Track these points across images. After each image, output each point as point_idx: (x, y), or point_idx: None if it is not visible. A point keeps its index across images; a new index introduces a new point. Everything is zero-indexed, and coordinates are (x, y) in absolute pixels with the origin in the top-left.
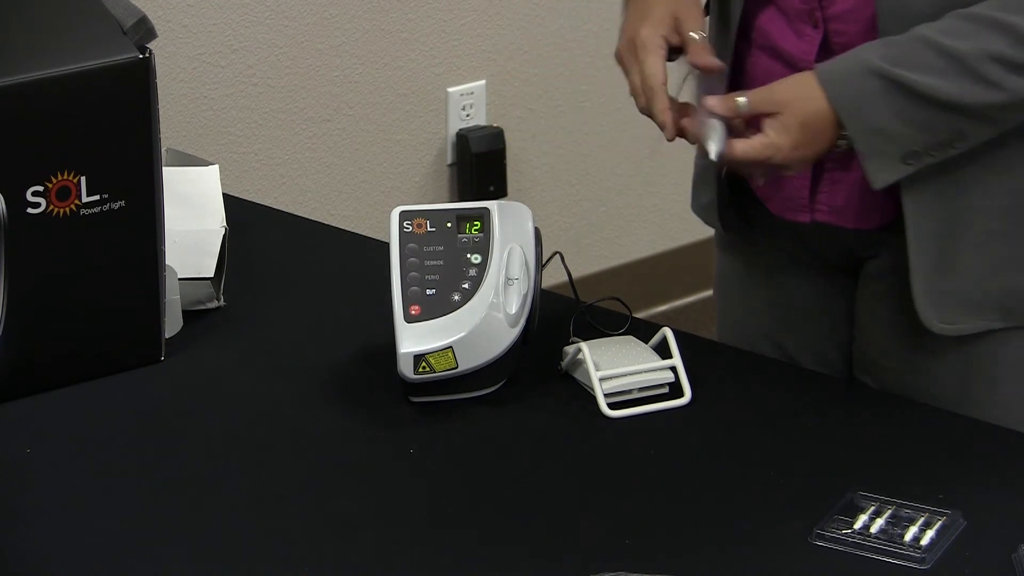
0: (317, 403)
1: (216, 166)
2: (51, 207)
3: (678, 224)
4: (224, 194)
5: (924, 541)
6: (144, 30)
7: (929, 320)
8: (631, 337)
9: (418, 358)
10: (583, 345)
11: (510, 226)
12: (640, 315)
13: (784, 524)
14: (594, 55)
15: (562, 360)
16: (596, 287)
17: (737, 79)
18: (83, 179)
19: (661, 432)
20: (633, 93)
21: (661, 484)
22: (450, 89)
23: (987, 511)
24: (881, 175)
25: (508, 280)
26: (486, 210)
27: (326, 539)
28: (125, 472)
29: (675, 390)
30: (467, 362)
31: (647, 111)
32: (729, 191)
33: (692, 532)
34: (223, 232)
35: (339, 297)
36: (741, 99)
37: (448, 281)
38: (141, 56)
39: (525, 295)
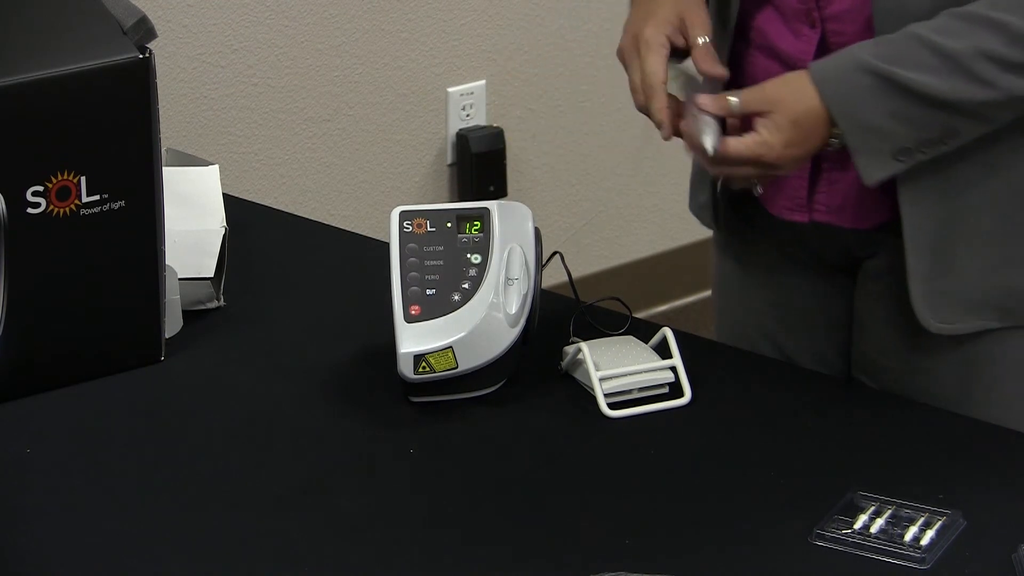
0: (317, 403)
1: (216, 166)
2: (51, 207)
3: (678, 224)
4: (224, 194)
5: (924, 541)
6: (144, 30)
7: (927, 320)
8: (631, 337)
9: (418, 358)
10: (583, 345)
11: (510, 226)
12: (640, 315)
13: (784, 524)
14: (594, 55)
15: (562, 360)
16: (596, 287)
17: (736, 79)
18: (83, 179)
19: (661, 432)
20: (632, 90)
21: (661, 484)
22: (450, 89)
23: (987, 511)
24: (873, 172)
25: (508, 280)
26: (486, 210)
27: (326, 539)
28: (125, 472)
29: (675, 390)
30: (467, 362)
31: (645, 109)
32: (727, 191)
33: (692, 532)
34: (223, 232)
35: (339, 297)
36: (733, 98)
37: (448, 281)
38: (141, 56)
39: (525, 295)
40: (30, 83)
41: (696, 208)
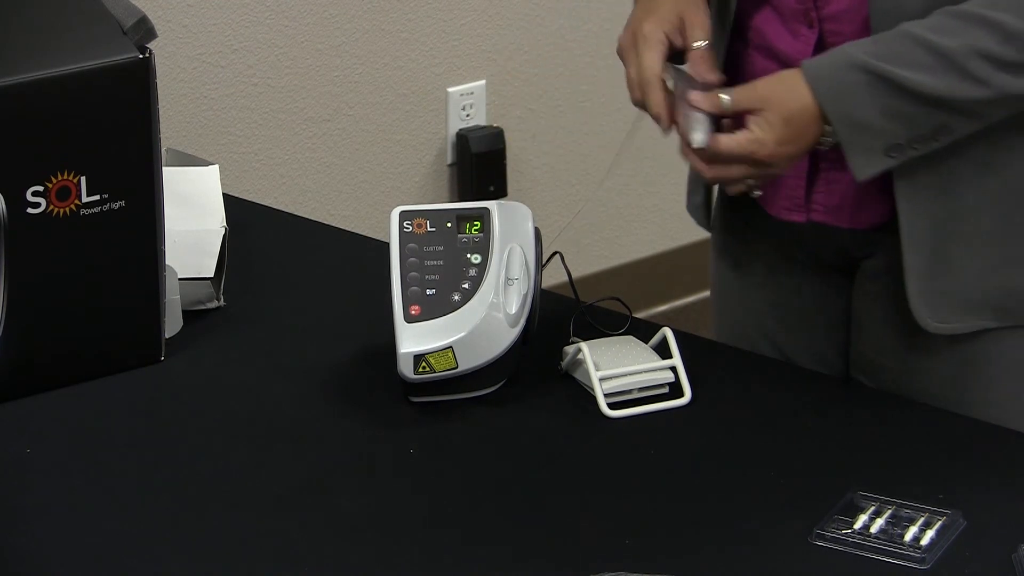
0: (317, 403)
1: (216, 166)
2: (51, 207)
3: (678, 224)
4: (224, 194)
5: (924, 541)
6: (144, 30)
7: (924, 320)
8: (631, 337)
9: (418, 358)
10: (583, 345)
11: (510, 226)
12: (640, 315)
13: (784, 524)
14: (594, 55)
15: (562, 360)
16: (596, 287)
17: (734, 79)
18: (83, 179)
19: (661, 432)
20: (629, 85)
21: (661, 484)
22: (450, 89)
23: (987, 511)
24: (865, 168)
25: (508, 280)
26: (486, 210)
27: (326, 539)
28: (125, 472)
29: (675, 390)
30: (467, 362)
31: (641, 104)
32: (724, 191)
33: (692, 532)
34: (223, 232)
35: (339, 297)
36: (725, 96)
37: (448, 281)
38: (141, 56)
39: (525, 295)
40: (30, 83)
41: (692, 208)
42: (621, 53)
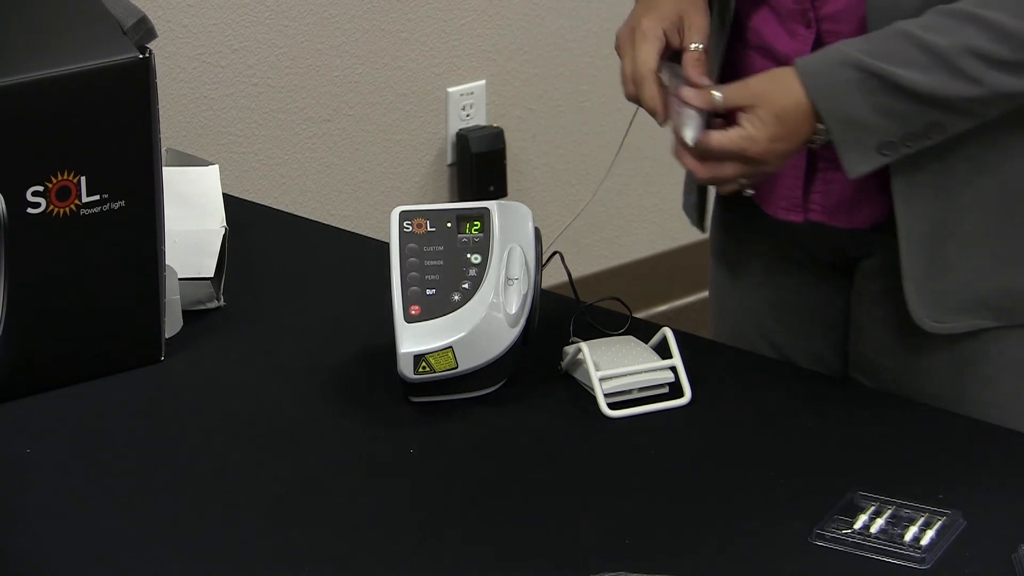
0: (317, 403)
1: (216, 166)
2: (51, 207)
3: (678, 224)
4: (224, 194)
5: (924, 541)
6: (144, 30)
7: (922, 319)
8: (631, 337)
9: (418, 358)
10: (583, 345)
11: (510, 226)
12: (640, 315)
13: (784, 524)
14: (594, 55)
15: (562, 360)
16: (596, 287)
17: (732, 79)
18: (83, 179)
19: (661, 432)
20: (623, 79)
21: (661, 484)
22: (450, 89)
23: (987, 511)
24: (857, 165)
25: (508, 280)
26: (486, 210)
27: (326, 539)
28: (125, 472)
29: (675, 390)
30: (467, 362)
31: (635, 97)
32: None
33: (692, 532)
34: (223, 232)
35: (339, 297)
36: (717, 93)
37: (448, 281)
38: (141, 56)
39: (525, 295)
40: (30, 83)
41: (687, 208)
42: (618, 47)
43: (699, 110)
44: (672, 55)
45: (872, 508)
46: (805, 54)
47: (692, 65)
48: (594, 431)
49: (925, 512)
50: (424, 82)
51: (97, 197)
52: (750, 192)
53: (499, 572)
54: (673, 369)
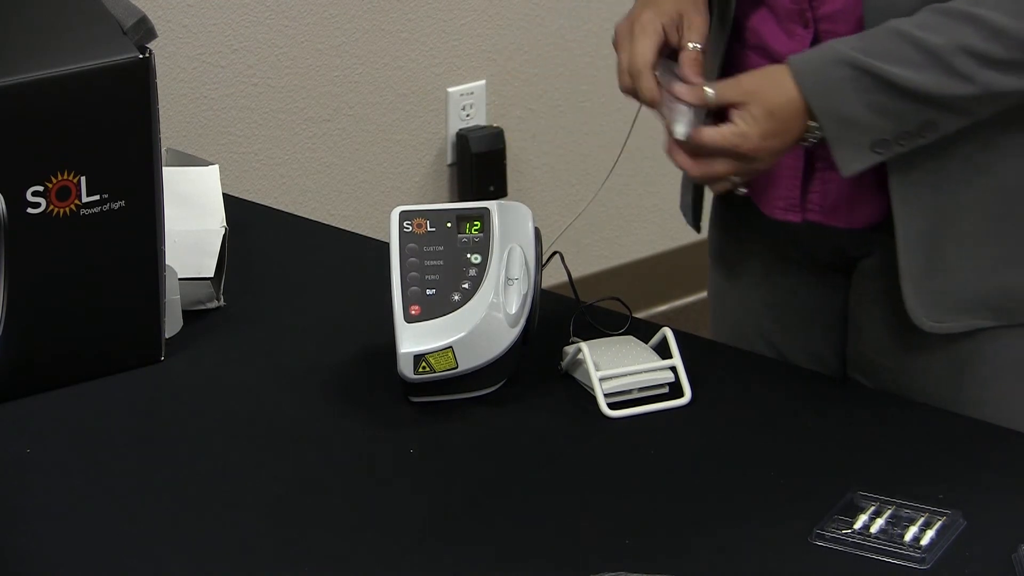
0: (317, 403)
1: (216, 166)
2: (51, 207)
3: (678, 224)
4: (224, 194)
5: (924, 541)
6: (144, 30)
7: (920, 319)
8: (631, 337)
9: (418, 358)
10: (583, 345)
11: (510, 226)
12: (640, 315)
13: (784, 524)
14: (594, 55)
15: (562, 360)
16: (596, 287)
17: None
18: (83, 179)
19: (661, 432)
20: (619, 72)
21: (661, 484)
22: (450, 89)
23: (987, 511)
24: (850, 163)
25: (508, 280)
26: (486, 210)
27: (326, 539)
28: (125, 472)
29: (675, 390)
30: (467, 362)
31: (630, 90)
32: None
33: (692, 532)
34: (223, 232)
35: (339, 297)
36: (709, 89)
37: (448, 281)
38: (141, 56)
39: (525, 295)
40: (30, 83)
41: (683, 207)
42: (616, 41)
43: (692, 107)
44: (669, 53)
45: (872, 508)
46: None
47: (688, 64)
48: (594, 431)
49: (925, 512)
50: (424, 82)
51: (97, 197)
52: (743, 191)
53: (499, 572)
54: (673, 369)
